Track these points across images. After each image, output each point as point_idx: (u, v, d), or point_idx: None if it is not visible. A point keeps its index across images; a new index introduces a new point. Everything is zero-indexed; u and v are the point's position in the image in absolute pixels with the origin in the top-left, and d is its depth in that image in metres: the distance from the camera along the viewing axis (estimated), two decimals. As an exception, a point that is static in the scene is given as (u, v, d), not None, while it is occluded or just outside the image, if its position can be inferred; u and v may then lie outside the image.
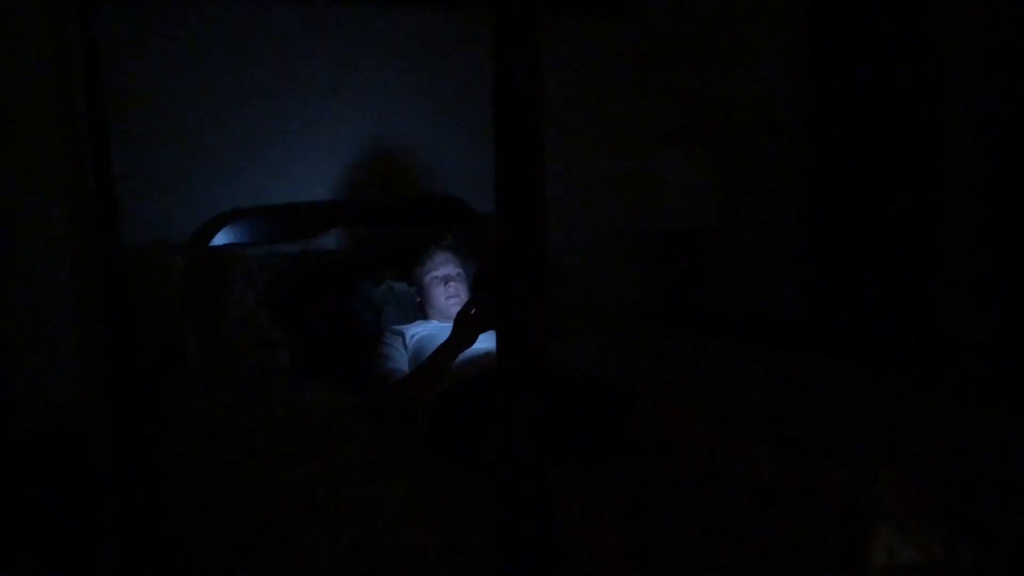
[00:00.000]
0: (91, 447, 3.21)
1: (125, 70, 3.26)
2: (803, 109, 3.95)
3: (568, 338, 3.43)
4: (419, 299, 3.07)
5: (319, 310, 3.16)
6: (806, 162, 3.96)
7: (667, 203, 4.02)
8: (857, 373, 2.89)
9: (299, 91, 3.59)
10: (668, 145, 4.27)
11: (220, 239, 3.43)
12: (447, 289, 2.98)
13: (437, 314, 2.99)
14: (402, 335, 2.90)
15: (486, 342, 2.68)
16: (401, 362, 2.81)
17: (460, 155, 3.91)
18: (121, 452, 3.15)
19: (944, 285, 3.48)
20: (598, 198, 4.25)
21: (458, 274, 3.03)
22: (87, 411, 3.24)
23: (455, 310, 2.81)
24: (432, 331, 2.86)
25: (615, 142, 4.28)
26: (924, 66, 3.48)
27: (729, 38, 4.35)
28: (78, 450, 3.20)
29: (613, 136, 4.29)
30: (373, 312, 3.13)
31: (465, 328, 2.63)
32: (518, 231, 1.32)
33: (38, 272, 3.16)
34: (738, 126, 4.34)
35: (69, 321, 3.22)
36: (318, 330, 3.13)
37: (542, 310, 1.34)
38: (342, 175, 3.71)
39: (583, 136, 4.20)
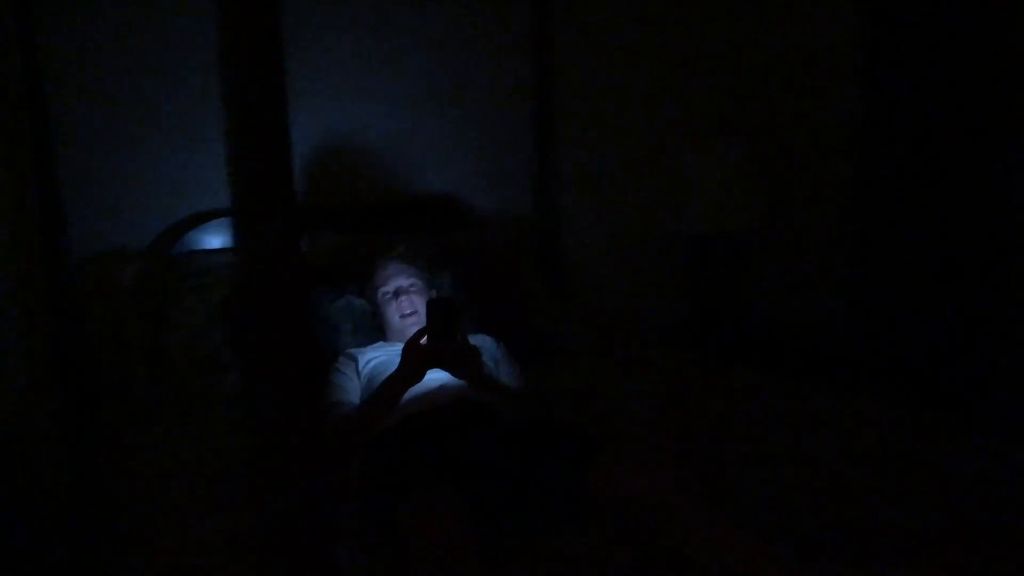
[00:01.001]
0: (29, 474, 2.93)
1: (71, 64, 2.97)
2: (863, 96, 3.48)
3: (564, 358, 3.02)
4: (378, 319, 2.69)
5: (274, 328, 2.79)
6: (864, 159, 3.49)
7: (700, 204, 3.62)
8: (901, 419, 2.39)
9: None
10: (701, 136, 3.80)
11: (192, 245, 3.13)
12: (400, 305, 2.61)
13: (395, 335, 2.63)
14: (355, 360, 2.55)
15: (441, 373, 2.35)
16: (352, 392, 2.47)
17: (453, 150, 3.55)
18: (53, 484, 2.86)
19: (1016, 312, 2.94)
20: (620, 197, 3.85)
21: (412, 285, 2.66)
22: (31, 434, 2.95)
23: (412, 328, 2.47)
24: (390, 356, 2.49)
25: (640, 132, 3.85)
26: (1003, 51, 2.94)
27: (776, 7, 3.83)
28: (15, 476, 2.92)
29: (638, 125, 3.86)
30: (328, 331, 2.76)
31: (412, 360, 2.28)
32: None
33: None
34: (784, 114, 3.87)
35: (14, 339, 2.93)
36: (272, 351, 2.77)
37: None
38: (315, 175, 3.35)
39: (603, 126, 3.79)
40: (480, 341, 2.65)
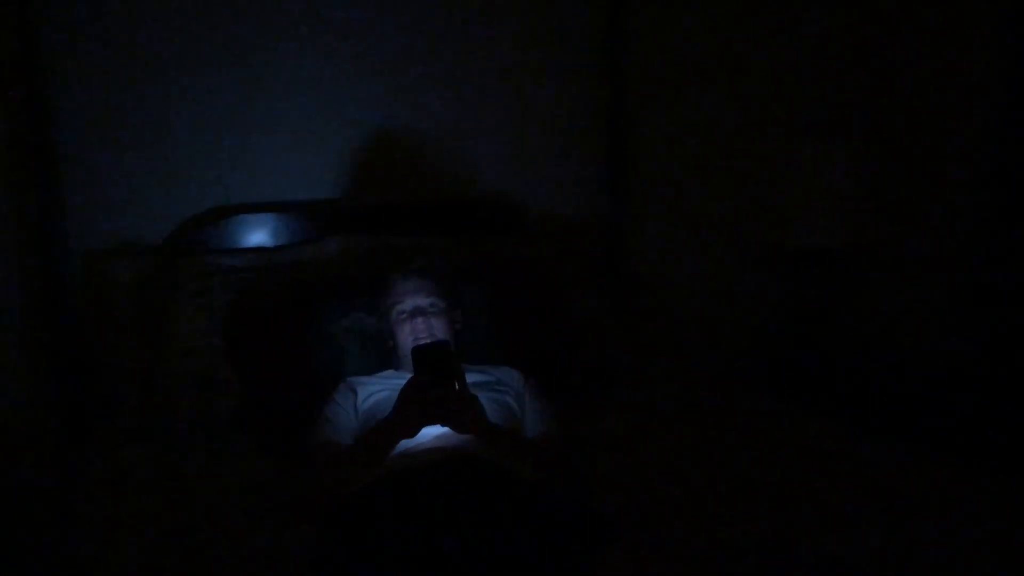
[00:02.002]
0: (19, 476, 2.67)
1: (87, 46, 2.68)
2: (1003, 101, 2.88)
3: (617, 395, 2.57)
4: (390, 342, 2.31)
5: (282, 344, 2.45)
6: (997, 166, 2.90)
7: (799, 214, 3.14)
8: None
9: (298, 67, 2.89)
10: (804, 137, 3.27)
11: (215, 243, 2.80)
12: (415, 327, 2.23)
13: (407, 363, 2.21)
14: (355, 392, 2.19)
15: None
16: (345, 430, 2.12)
17: (512, 146, 3.14)
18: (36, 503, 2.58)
19: None
20: (704, 203, 3.38)
21: (432, 305, 2.28)
22: (26, 444, 2.70)
23: None
24: (395, 392, 2.05)
25: (731, 130, 3.36)
26: None
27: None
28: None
29: (729, 123, 3.36)
30: (332, 353, 2.39)
31: (404, 414, 1.92)
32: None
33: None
34: (904, 116, 3.28)
35: (13, 341, 2.68)
36: (276, 371, 2.42)
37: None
38: (351, 169, 2.98)
39: (686, 123, 3.31)
40: (503, 374, 2.28)
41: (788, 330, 3.32)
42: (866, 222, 3.12)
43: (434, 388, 1.88)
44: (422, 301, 2.28)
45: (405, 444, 1.93)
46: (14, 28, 2.51)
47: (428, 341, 2.11)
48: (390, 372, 2.28)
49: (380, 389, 2.16)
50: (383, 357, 2.35)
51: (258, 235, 2.82)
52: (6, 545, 2.33)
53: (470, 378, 2.19)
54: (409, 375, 2.00)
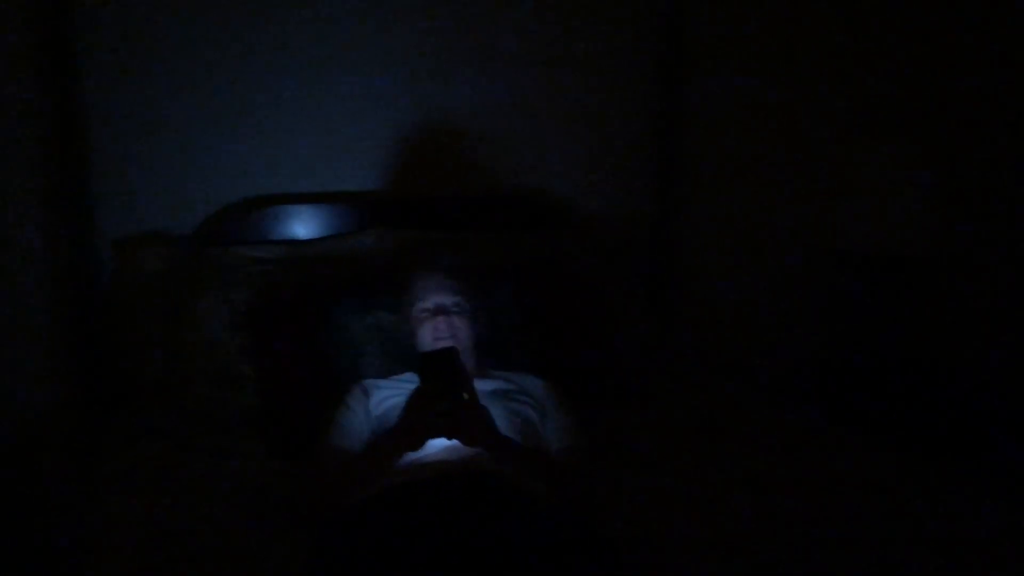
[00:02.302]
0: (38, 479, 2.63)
1: (118, 32, 2.61)
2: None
3: (652, 407, 2.43)
4: (411, 342, 2.20)
5: (301, 342, 2.35)
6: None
7: (861, 217, 2.92)
8: None
9: (339, 55, 2.78)
10: (867, 136, 3.06)
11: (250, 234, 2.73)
12: (436, 327, 2.12)
13: None
14: (368, 396, 2.10)
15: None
16: (355, 436, 2.02)
17: (558, 140, 3.00)
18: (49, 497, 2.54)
19: None
20: (758, 204, 3.18)
21: (456, 305, 2.17)
22: (50, 436, 2.66)
23: None
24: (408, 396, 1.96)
25: (788, 127, 3.16)
26: None
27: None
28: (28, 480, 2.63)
29: (787, 119, 3.16)
30: (351, 352, 2.29)
31: (409, 426, 1.82)
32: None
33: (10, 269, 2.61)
34: (976, 109, 3.06)
35: (43, 330, 2.64)
36: (293, 370, 2.33)
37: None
38: (390, 161, 2.87)
39: (740, 119, 3.13)
40: (525, 383, 2.16)
41: (846, 344, 3.10)
42: (939, 227, 2.89)
43: (441, 398, 1.76)
44: (446, 300, 2.17)
45: (412, 455, 1.82)
46: (44, 16, 2.47)
47: (436, 348, 1.99)
48: (408, 375, 2.17)
49: (394, 393, 2.05)
50: (406, 359, 2.24)
51: (290, 227, 2.74)
52: (13, 536, 2.28)
53: (488, 385, 2.10)
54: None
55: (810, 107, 3.13)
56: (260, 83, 2.73)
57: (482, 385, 2.09)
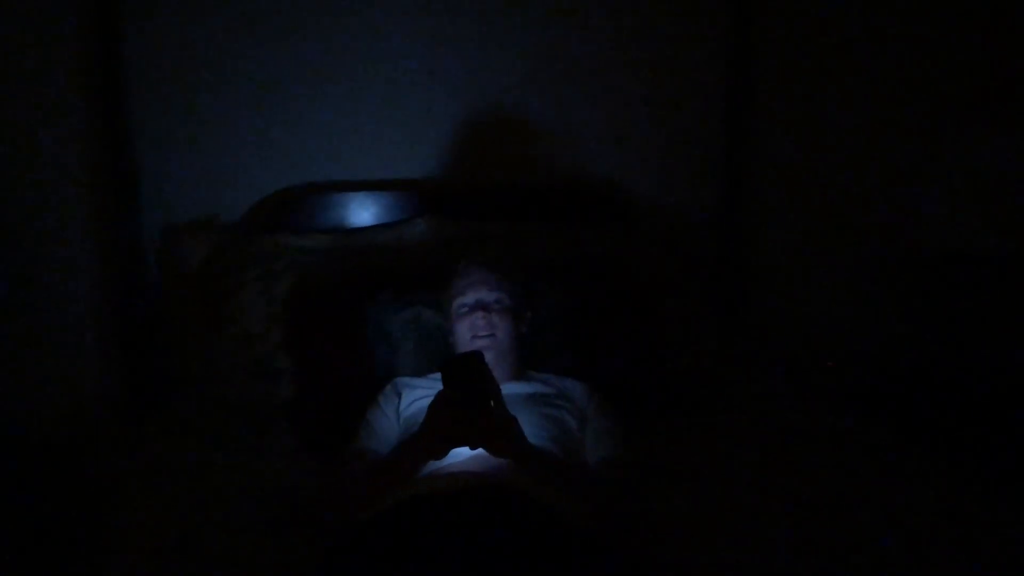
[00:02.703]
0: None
1: (166, 12, 2.56)
2: None
3: (701, 415, 2.28)
4: (450, 339, 2.08)
5: (339, 337, 2.25)
6: None
7: (951, 213, 2.69)
8: None
9: (396, 38, 2.67)
10: (952, 125, 2.77)
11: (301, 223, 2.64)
12: (474, 324, 2.01)
13: None
14: (400, 395, 1.99)
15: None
16: (384, 438, 1.92)
17: (622, 129, 2.82)
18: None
19: None
20: (837, 198, 2.93)
21: (498, 301, 2.05)
22: (92, 427, 2.62)
23: (486, 357, 1.83)
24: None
25: (869, 114, 2.89)
26: None
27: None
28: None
29: (867, 105, 2.89)
30: (387, 348, 2.17)
31: (432, 433, 1.68)
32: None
33: (56, 255, 2.59)
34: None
35: (90, 320, 2.61)
36: (332, 366, 2.23)
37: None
38: (447, 148, 2.74)
39: (816, 105, 2.88)
40: (567, 387, 2.02)
41: (932, 353, 2.85)
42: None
43: (464, 406, 1.62)
44: (486, 296, 2.05)
45: (435, 463, 1.69)
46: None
47: (470, 348, 1.87)
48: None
49: (427, 393, 1.92)
50: (440, 356, 2.12)
51: (338, 215, 2.65)
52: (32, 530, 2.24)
53: (525, 388, 1.98)
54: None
55: (895, 93, 2.87)
56: (312, 66, 2.64)
57: (518, 388, 1.97)
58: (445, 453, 1.66)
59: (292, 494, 1.93)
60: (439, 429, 1.64)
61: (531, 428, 1.80)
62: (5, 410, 2.57)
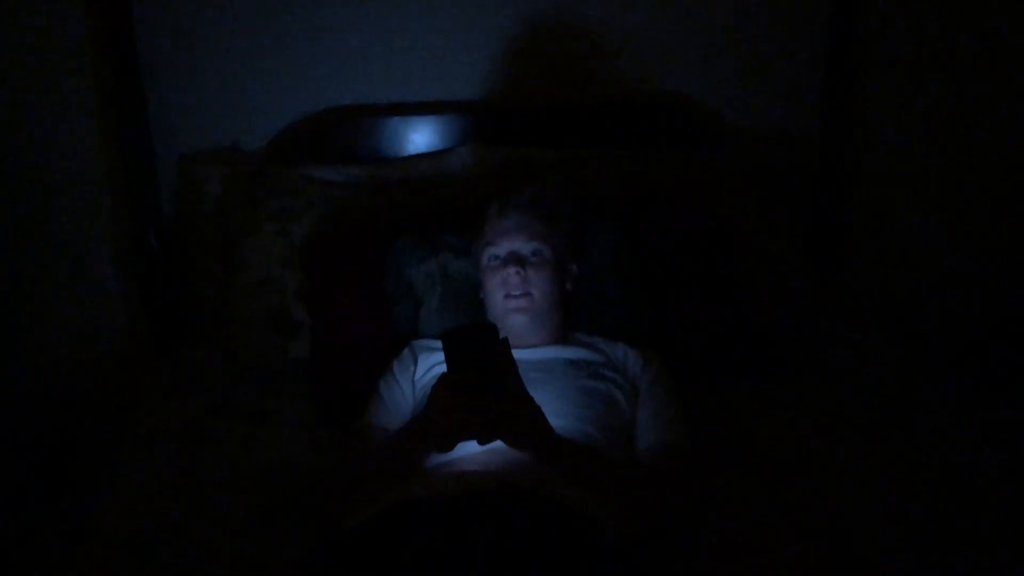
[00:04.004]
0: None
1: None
2: None
3: (788, 381, 1.93)
4: (482, 293, 1.75)
5: (363, 285, 1.95)
6: None
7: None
8: None
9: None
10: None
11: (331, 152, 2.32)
12: (507, 280, 1.69)
13: (495, 321, 1.70)
14: (416, 363, 1.71)
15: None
16: (396, 412, 1.64)
17: (704, 38, 2.39)
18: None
19: None
20: (958, 130, 2.48)
21: (535, 253, 1.73)
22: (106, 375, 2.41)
23: (518, 322, 1.69)
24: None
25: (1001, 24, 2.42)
26: None
27: None
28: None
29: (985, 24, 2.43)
30: (409, 303, 1.86)
31: (437, 420, 1.36)
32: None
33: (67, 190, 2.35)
34: None
35: (105, 257, 2.38)
36: (351, 321, 1.93)
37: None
38: (497, 64, 2.37)
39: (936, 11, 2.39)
40: (619, 354, 1.70)
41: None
42: None
43: (473, 391, 1.29)
44: (522, 246, 1.73)
45: (442, 456, 1.39)
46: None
47: (466, 323, 1.55)
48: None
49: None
50: (466, 312, 1.81)
51: (373, 143, 2.31)
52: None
53: (566, 352, 1.67)
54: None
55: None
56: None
57: (557, 352, 1.67)
58: (451, 447, 1.34)
59: (294, 475, 1.68)
60: (442, 419, 1.33)
61: (569, 404, 1.52)
62: (18, 352, 2.38)
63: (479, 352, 1.30)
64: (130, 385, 2.30)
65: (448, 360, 1.31)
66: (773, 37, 2.40)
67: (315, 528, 1.47)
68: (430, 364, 1.65)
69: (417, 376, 1.66)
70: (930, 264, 2.55)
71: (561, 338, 1.72)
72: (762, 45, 2.40)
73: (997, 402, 1.87)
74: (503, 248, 1.72)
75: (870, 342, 2.11)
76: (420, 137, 2.33)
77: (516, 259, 1.69)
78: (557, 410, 1.45)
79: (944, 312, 2.48)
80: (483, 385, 1.29)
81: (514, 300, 1.67)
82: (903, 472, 1.62)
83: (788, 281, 2.11)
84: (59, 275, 2.37)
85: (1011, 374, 2.21)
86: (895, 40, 2.42)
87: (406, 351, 1.73)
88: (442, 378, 1.34)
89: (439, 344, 1.67)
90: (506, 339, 1.34)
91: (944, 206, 2.53)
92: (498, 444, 1.33)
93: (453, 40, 2.34)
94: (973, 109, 2.47)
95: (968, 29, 2.42)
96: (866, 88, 2.41)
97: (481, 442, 1.30)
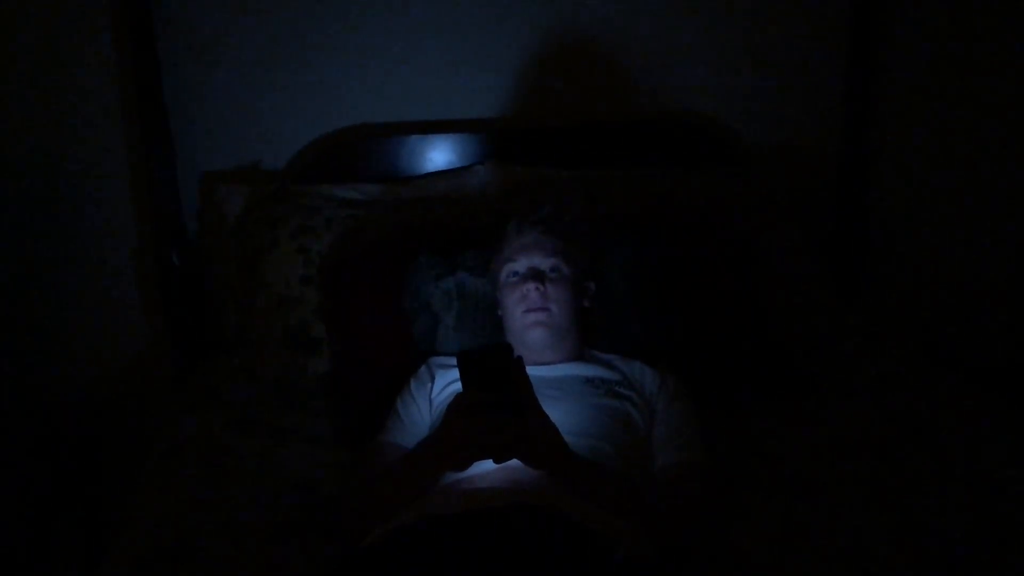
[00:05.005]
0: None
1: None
2: None
3: (806, 401, 1.91)
4: (500, 310, 1.76)
5: (382, 302, 1.95)
6: None
7: None
8: None
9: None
10: None
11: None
12: (526, 295, 1.69)
13: (514, 339, 1.71)
14: (433, 380, 1.72)
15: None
16: (413, 431, 1.64)
17: (723, 58, 2.41)
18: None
19: None
20: (982, 146, 2.48)
21: (554, 269, 1.73)
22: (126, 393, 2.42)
23: (537, 336, 1.69)
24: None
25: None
26: None
27: None
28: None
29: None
30: (427, 319, 1.86)
31: (452, 438, 1.37)
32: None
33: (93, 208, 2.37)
34: None
35: (128, 275, 2.41)
36: (371, 339, 1.94)
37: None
38: (512, 86, 2.38)
39: (960, 24, 2.41)
40: (636, 372, 1.70)
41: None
42: None
43: (487, 411, 1.30)
44: (541, 262, 1.73)
45: (457, 474, 1.39)
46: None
47: (481, 343, 1.56)
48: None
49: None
50: (484, 331, 1.81)
51: (392, 161, 2.34)
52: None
53: (584, 370, 1.67)
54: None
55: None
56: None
57: (574, 369, 1.67)
58: (466, 466, 1.34)
59: (314, 492, 1.68)
60: (457, 439, 1.33)
61: (585, 421, 1.52)
62: (42, 368, 2.41)
63: (494, 372, 1.30)
64: (152, 401, 2.34)
65: (464, 380, 1.31)
66: (792, 55, 2.40)
67: (334, 545, 1.47)
68: (447, 381, 1.66)
69: (434, 393, 1.66)
70: (952, 281, 2.52)
71: (578, 355, 1.72)
72: (781, 63, 2.40)
73: (1022, 421, 1.84)
74: (522, 264, 1.72)
75: (892, 360, 2.08)
76: (438, 155, 2.34)
77: (535, 275, 1.69)
78: (573, 428, 1.45)
79: (967, 330, 2.46)
80: (499, 404, 1.30)
81: (533, 314, 1.67)
82: (925, 493, 1.58)
83: (809, 299, 2.11)
84: (83, 292, 2.39)
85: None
86: (914, 56, 2.41)
87: (423, 368, 1.74)
88: (458, 398, 1.34)
89: (448, 367, 1.70)
90: (520, 358, 1.35)
91: (966, 222, 2.51)
92: (514, 462, 1.33)
93: (471, 59, 2.36)
94: (994, 125, 2.45)
95: (988, 45, 2.41)
96: (885, 104, 2.40)
97: (497, 461, 1.30)
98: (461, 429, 1.31)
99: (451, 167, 2.33)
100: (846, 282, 2.36)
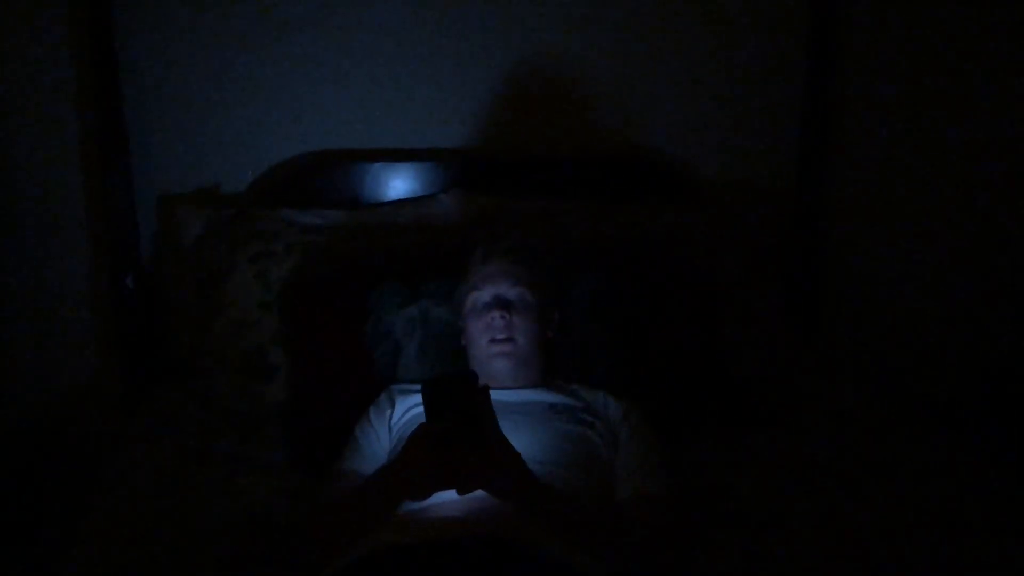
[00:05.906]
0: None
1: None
2: None
3: (763, 434, 1.92)
4: (463, 339, 1.75)
5: (341, 329, 1.93)
6: None
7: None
8: None
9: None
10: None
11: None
12: (491, 324, 1.69)
13: (477, 366, 1.71)
14: (393, 407, 1.70)
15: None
16: (371, 458, 1.62)
17: (684, 97, 2.44)
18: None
19: None
20: (935, 188, 2.53)
21: (520, 298, 1.73)
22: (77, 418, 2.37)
23: (501, 366, 1.68)
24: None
25: (963, 91, 2.48)
26: None
27: None
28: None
29: (959, 81, 2.48)
30: (389, 347, 1.85)
31: (411, 469, 1.33)
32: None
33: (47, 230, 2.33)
34: None
35: (82, 298, 2.36)
36: (331, 366, 1.92)
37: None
38: (476, 117, 2.40)
39: (917, 63, 2.47)
40: (599, 402, 1.70)
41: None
42: None
43: (451, 440, 1.28)
44: (507, 291, 1.73)
45: (417, 504, 1.37)
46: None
47: (445, 371, 1.55)
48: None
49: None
50: (447, 359, 1.80)
51: (355, 189, 2.33)
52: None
53: (547, 396, 1.67)
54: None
55: (1000, 62, 2.44)
56: (330, 19, 2.30)
57: (538, 395, 1.67)
58: (427, 496, 1.32)
59: (268, 522, 1.64)
60: (418, 469, 1.31)
61: (549, 448, 1.51)
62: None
63: (458, 401, 1.29)
64: (103, 429, 2.28)
65: (427, 409, 1.29)
66: (749, 92, 2.44)
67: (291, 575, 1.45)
68: (407, 407, 1.64)
69: (394, 420, 1.64)
70: (908, 318, 2.56)
71: (542, 383, 1.72)
72: (739, 100, 2.44)
73: (976, 457, 1.87)
74: (488, 292, 1.71)
75: (848, 395, 2.11)
76: (402, 183, 2.34)
77: (501, 303, 1.69)
78: (537, 455, 1.44)
79: (921, 367, 2.49)
80: (462, 435, 1.28)
81: (498, 345, 1.66)
82: (880, 527, 1.60)
83: (766, 333, 2.13)
84: (32, 315, 2.33)
85: (990, 429, 2.22)
86: (872, 95, 2.46)
87: (383, 396, 1.72)
88: (420, 428, 1.32)
89: (416, 387, 1.68)
90: (486, 387, 1.34)
91: (922, 260, 2.55)
92: (478, 492, 1.32)
93: (437, 89, 2.37)
94: (952, 163, 2.50)
95: (946, 82, 2.47)
96: (842, 142, 2.45)
97: (460, 493, 1.28)
98: (423, 460, 1.29)
99: (415, 195, 2.33)
100: (803, 316, 2.39)
